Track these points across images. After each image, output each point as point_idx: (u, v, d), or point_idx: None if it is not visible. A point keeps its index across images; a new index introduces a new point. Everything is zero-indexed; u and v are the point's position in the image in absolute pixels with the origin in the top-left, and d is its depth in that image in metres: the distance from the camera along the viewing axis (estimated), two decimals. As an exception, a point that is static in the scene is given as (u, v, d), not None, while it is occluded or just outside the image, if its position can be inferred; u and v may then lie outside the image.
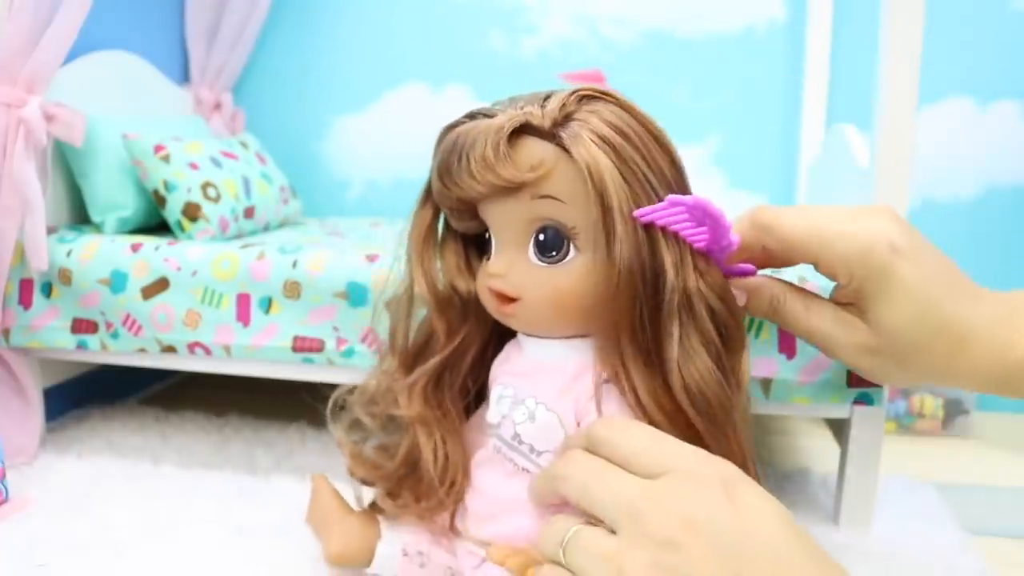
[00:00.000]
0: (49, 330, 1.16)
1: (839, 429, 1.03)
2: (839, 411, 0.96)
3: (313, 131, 1.86)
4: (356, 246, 1.19)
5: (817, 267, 0.53)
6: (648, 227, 0.53)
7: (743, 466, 0.49)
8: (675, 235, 0.54)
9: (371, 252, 1.09)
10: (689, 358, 0.53)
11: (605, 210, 0.53)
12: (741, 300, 0.57)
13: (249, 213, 1.40)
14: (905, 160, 0.91)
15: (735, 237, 0.53)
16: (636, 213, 0.54)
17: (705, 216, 0.52)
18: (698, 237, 0.53)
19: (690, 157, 1.94)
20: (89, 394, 1.44)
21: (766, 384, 0.94)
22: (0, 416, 1.16)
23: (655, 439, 0.47)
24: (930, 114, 1.59)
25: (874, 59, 0.94)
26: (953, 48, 1.56)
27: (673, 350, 0.53)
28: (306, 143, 1.86)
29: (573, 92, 0.56)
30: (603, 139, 0.54)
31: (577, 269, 0.59)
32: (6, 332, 1.17)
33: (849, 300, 0.52)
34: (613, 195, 0.53)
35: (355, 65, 1.82)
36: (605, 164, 0.53)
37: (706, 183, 1.70)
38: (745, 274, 0.58)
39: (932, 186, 1.62)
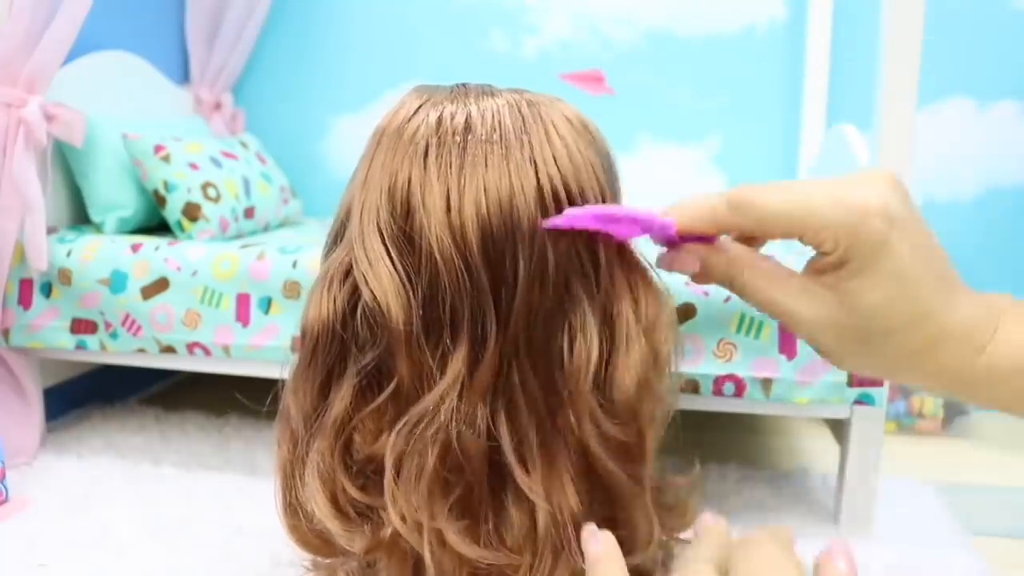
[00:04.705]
0: (49, 330, 1.16)
1: (839, 429, 1.03)
2: (839, 411, 0.96)
3: (313, 131, 1.86)
4: (356, 246, 1.19)
5: (802, 239, 0.46)
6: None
7: None
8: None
9: (371, 252, 1.09)
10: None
11: None
12: (694, 267, 0.49)
13: (249, 213, 1.40)
14: (905, 160, 0.91)
15: (666, 221, 0.48)
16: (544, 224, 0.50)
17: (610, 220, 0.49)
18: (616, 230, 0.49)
19: (690, 157, 1.96)
20: (89, 394, 1.44)
21: (766, 384, 0.94)
22: (0, 416, 1.16)
23: None
24: (930, 114, 1.59)
25: (874, 59, 0.94)
26: (953, 48, 1.56)
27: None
28: (306, 143, 1.86)
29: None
30: None
31: None
32: (6, 332, 1.17)
33: (826, 270, 0.45)
34: None
35: (355, 65, 1.82)
36: None
37: (706, 183, 1.69)
38: (703, 241, 0.50)
39: (932, 186, 1.62)
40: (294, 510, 0.58)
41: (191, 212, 1.27)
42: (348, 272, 0.54)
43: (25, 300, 1.16)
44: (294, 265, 1.09)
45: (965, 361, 0.44)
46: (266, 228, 1.49)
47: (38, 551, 0.89)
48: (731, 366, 0.95)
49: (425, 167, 0.51)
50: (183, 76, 1.77)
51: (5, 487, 1.02)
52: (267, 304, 1.10)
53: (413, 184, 0.51)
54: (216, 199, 1.31)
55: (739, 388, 0.96)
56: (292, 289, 1.08)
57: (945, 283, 0.44)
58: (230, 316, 1.10)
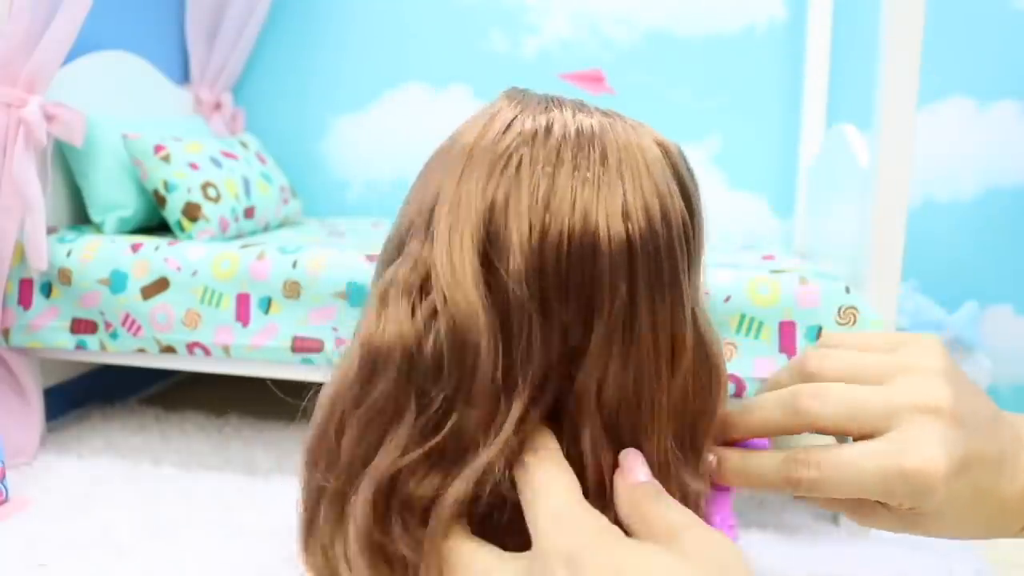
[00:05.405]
0: (49, 330, 1.16)
1: (839, 429, 1.03)
2: (839, 411, 0.96)
3: (313, 131, 1.86)
4: (356, 246, 1.19)
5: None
6: None
7: None
8: None
9: (371, 252, 1.09)
10: None
11: None
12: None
13: (249, 213, 1.40)
14: (905, 160, 0.91)
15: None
16: None
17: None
18: None
19: (690, 157, 1.94)
20: (89, 394, 1.44)
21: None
22: (0, 416, 1.16)
23: None
24: (930, 114, 1.59)
25: (874, 59, 0.94)
26: (953, 48, 1.56)
27: None
28: (306, 143, 1.86)
29: None
30: None
31: None
32: (6, 332, 1.17)
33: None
34: None
35: (355, 65, 1.82)
36: None
37: (706, 183, 1.69)
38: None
39: (932, 186, 1.62)
40: (325, 556, 0.53)
41: (191, 212, 1.27)
42: (422, 297, 0.49)
43: (25, 300, 1.16)
44: (294, 265, 1.09)
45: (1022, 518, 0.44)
46: (266, 228, 1.49)
47: (38, 551, 0.89)
48: (731, 366, 0.95)
49: (519, 195, 0.48)
50: (183, 76, 1.77)
51: (5, 487, 1.02)
52: (267, 304, 1.10)
53: (509, 212, 0.47)
54: (216, 199, 1.31)
55: (739, 388, 0.96)
56: (292, 289, 1.08)
57: (1005, 461, 0.42)
58: (230, 316, 1.10)
